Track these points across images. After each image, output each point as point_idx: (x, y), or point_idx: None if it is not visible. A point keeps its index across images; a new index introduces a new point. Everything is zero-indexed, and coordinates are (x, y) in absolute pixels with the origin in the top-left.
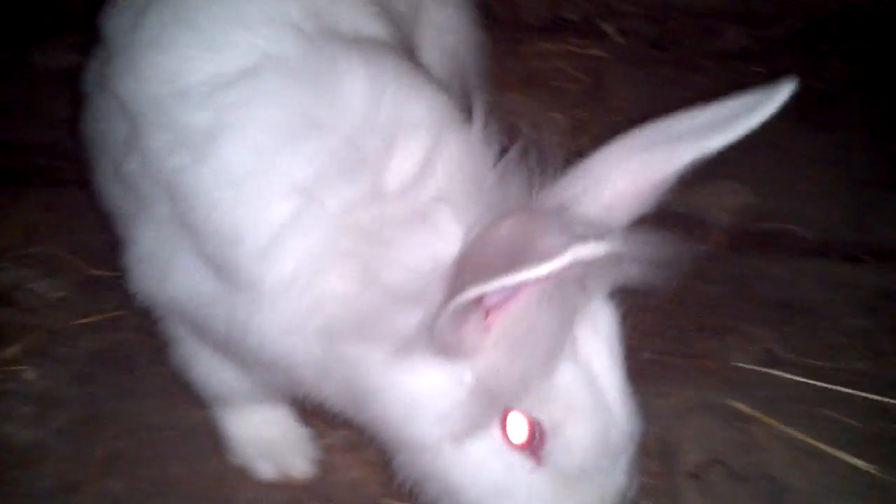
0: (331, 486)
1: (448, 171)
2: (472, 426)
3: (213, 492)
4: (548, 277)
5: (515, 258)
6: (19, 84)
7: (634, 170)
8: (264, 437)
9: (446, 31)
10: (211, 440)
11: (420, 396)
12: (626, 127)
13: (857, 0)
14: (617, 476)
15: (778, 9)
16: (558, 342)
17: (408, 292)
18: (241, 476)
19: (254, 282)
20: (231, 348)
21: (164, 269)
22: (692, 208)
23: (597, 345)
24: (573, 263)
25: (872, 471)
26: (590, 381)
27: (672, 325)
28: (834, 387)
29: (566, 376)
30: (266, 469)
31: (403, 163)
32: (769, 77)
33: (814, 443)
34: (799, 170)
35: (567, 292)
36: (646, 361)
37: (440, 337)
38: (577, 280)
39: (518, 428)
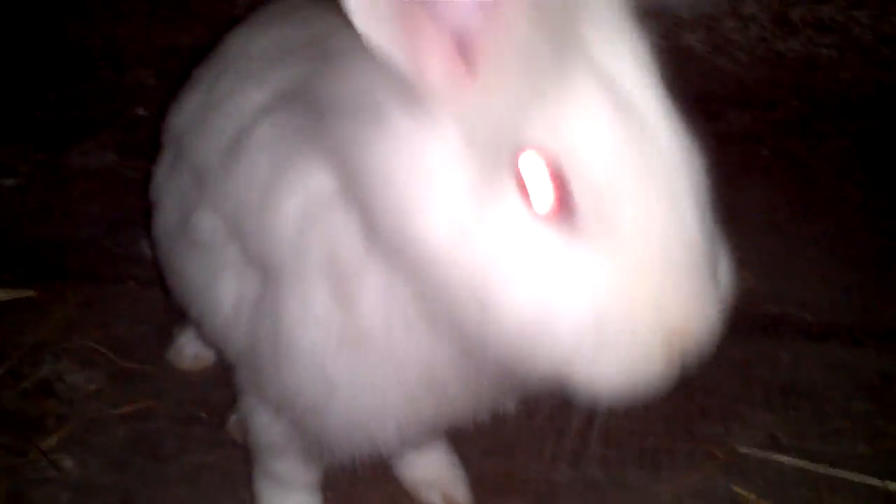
0: None
1: None
2: (479, 193)
3: None
4: None
5: None
6: (58, 183)
7: None
8: None
9: None
10: None
11: (412, 172)
12: None
13: (858, 80)
14: (683, 226)
15: (778, 92)
16: (558, 50)
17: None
18: None
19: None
20: (277, 374)
21: (244, 310)
22: None
23: (619, 56)
24: None
25: None
26: (613, 94)
27: (675, 410)
28: (835, 472)
29: (581, 90)
30: None
31: None
32: (774, 159)
33: None
34: (800, 252)
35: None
36: (649, 448)
37: (407, 80)
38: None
39: (537, 180)
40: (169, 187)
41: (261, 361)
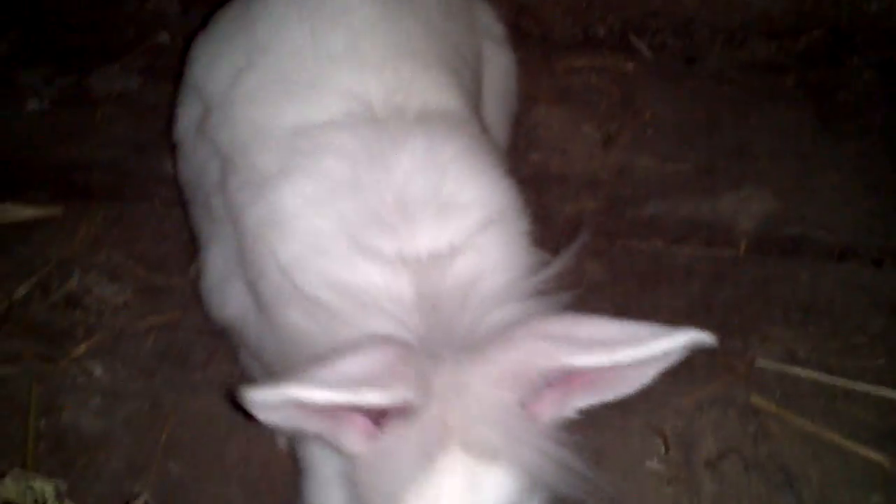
0: None
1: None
2: None
3: (263, 474)
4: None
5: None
6: (82, 107)
7: (529, 352)
8: None
9: (503, 76)
10: (261, 428)
11: (321, 488)
12: (656, 139)
13: (883, 12)
14: None
15: (804, 22)
16: (410, 479)
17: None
18: (287, 461)
19: (267, 310)
20: (261, 348)
21: (225, 295)
22: (719, 214)
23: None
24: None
25: (885, 464)
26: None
27: (698, 325)
28: (852, 384)
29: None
30: None
31: (427, 241)
32: (797, 88)
33: (828, 436)
34: (823, 177)
35: (426, 441)
36: None
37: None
38: (436, 430)
39: None
40: (194, 146)
41: (246, 336)
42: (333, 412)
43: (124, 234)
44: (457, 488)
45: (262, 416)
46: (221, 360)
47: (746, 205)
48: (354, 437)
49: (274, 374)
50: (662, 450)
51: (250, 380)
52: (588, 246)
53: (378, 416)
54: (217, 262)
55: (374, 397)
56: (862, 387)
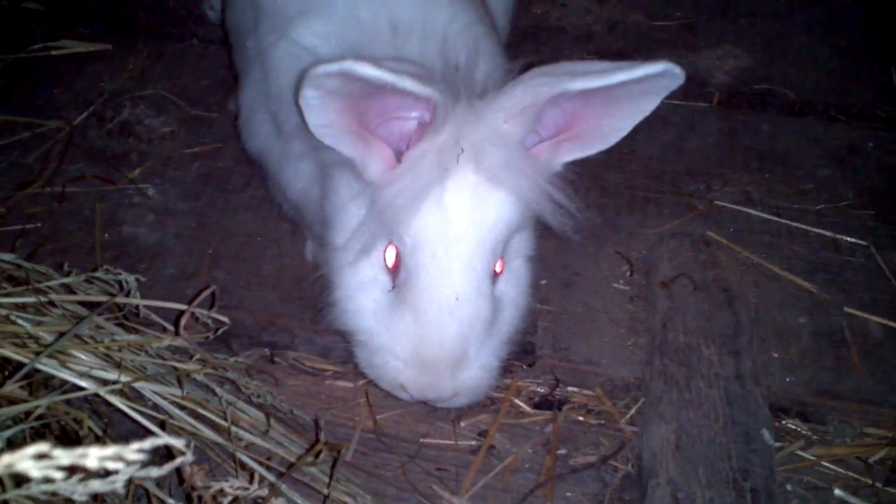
0: None
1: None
2: (364, 245)
3: (294, 283)
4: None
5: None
6: None
7: (534, 85)
8: None
9: None
10: (294, 245)
11: (343, 204)
12: None
13: None
14: (431, 329)
15: None
16: (426, 190)
17: None
18: (313, 272)
19: (288, 140)
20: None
21: (253, 127)
22: (697, 69)
23: (461, 226)
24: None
25: (814, 291)
26: (438, 243)
27: (666, 169)
28: (795, 224)
29: (428, 225)
30: None
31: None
32: None
33: (767, 265)
34: (794, 38)
35: (443, 157)
36: (639, 198)
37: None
38: (451, 149)
39: (390, 255)
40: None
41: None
42: (363, 135)
43: (167, 70)
44: (466, 201)
45: (315, 99)
46: (258, 186)
47: (722, 61)
48: (378, 165)
49: (288, 201)
50: (628, 273)
51: (277, 205)
52: None
53: (401, 146)
54: (248, 99)
55: (412, 85)
56: (802, 226)
